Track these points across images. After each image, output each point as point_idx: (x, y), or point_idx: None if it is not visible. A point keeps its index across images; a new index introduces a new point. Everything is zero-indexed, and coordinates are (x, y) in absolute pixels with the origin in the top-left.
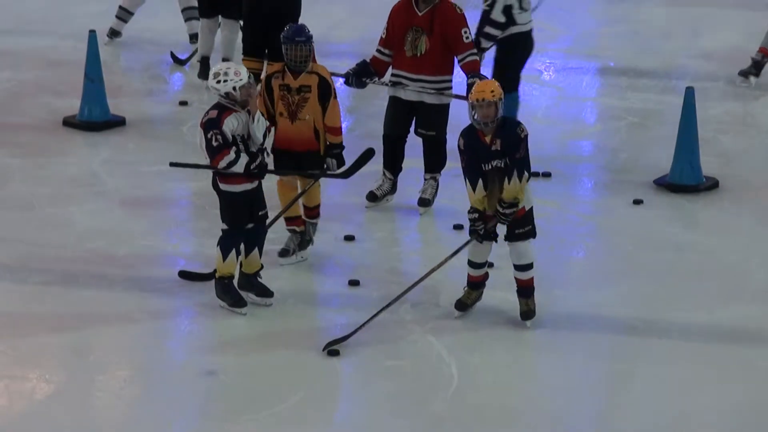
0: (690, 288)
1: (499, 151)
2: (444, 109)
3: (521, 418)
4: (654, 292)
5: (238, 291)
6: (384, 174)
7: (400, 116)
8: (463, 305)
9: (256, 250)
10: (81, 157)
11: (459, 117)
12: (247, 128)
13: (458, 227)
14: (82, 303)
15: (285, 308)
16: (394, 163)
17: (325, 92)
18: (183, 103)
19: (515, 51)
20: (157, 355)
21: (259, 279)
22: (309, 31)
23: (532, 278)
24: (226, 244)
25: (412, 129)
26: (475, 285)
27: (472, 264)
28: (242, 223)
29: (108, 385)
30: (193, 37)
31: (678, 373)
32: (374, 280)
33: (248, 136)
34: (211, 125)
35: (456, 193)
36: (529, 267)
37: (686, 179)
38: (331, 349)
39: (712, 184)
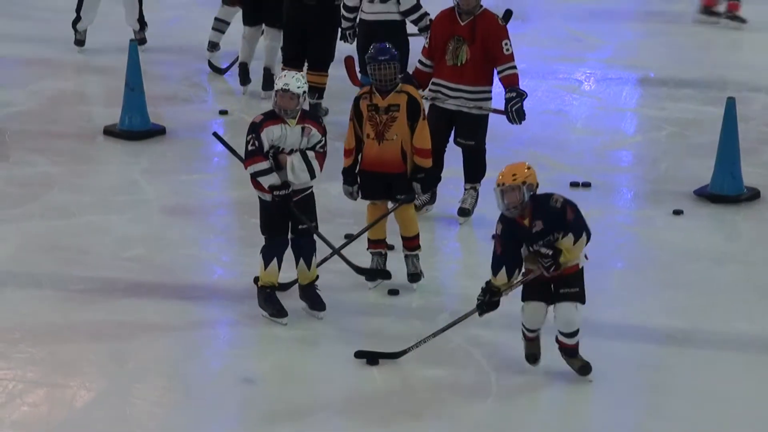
0: (730, 298)
1: (541, 230)
2: (483, 119)
3: (558, 426)
4: (693, 302)
5: (279, 301)
6: None
7: (440, 126)
8: (533, 357)
9: (302, 261)
10: (121, 166)
11: (499, 126)
12: (284, 141)
13: None
14: (121, 311)
15: (324, 317)
16: None
17: (415, 112)
18: (223, 113)
19: (358, 37)
20: (195, 363)
21: (316, 290)
22: (393, 50)
23: (577, 343)
24: (267, 253)
25: (451, 139)
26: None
27: (525, 328)
28: (276, 232)
29: (147, 393)
30: (212, 46)
31: (717, 383)
32: (413, 289)
33: (289, 151)
34: (252, 129)
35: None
36: (575, 334)
37: (727, 190)
38: (371, 359)
39: (754, 195)
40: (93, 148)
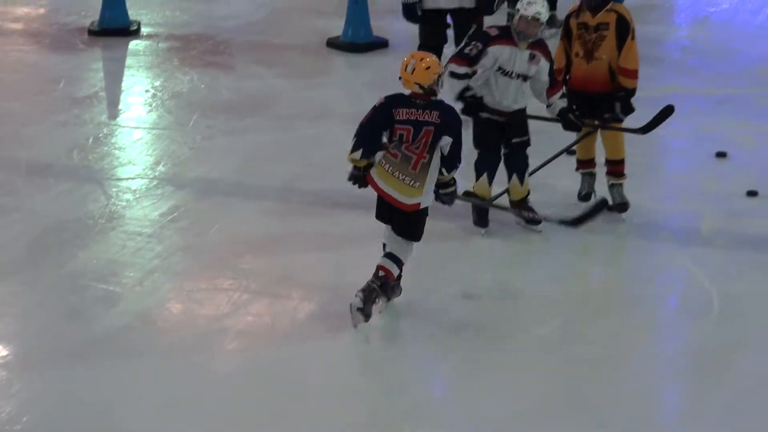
0: None
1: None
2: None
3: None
4: None
5: (483, 211)
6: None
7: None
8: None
9: (515, 177)
10: (343, 79)
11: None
12: (512, 65)
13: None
14: (343, 224)
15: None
16: None
17: (623, 31)
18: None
19: None
20: (414, 277)
21: (528, 204)
22: None
23: (395, 273)
24: (478, 166)
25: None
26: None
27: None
28: (487, 144)
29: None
30: None
31: None
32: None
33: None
34: (482, 38)
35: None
36: (398, 262)
37: None
38: None
39: None
40: (316, 61)
